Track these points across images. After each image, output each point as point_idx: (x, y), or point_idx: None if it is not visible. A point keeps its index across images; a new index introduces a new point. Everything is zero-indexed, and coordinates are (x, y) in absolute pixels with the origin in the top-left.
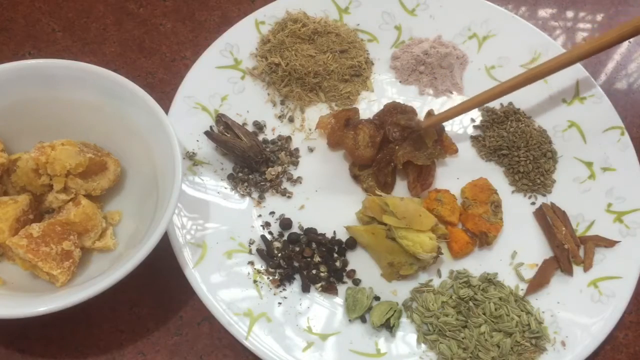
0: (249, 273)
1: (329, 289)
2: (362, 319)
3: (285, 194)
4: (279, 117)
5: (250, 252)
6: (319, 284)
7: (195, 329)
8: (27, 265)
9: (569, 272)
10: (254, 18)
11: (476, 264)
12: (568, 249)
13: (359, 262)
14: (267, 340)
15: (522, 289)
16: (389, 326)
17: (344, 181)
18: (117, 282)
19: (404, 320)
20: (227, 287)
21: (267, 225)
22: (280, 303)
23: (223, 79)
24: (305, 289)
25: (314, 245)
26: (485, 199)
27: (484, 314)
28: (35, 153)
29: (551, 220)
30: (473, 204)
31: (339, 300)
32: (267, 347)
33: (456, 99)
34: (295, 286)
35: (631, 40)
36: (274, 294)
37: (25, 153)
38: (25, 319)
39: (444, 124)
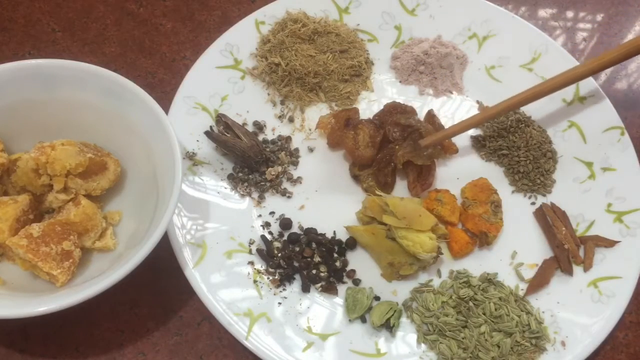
0: (249, 273)
1: (329, 289)
2: (362, 319)
3: (285, 194)
4: (279, 117)
5: (250, 252)
6: (319, 284)
7: (195, 329)
8: (27, 265)
9: (569, 272)
10: (254, 18)
11: (476, 264)
12: (568, 249)
13: (359, 262)
14: (267, 340)
15: (522, 289)
16: (389, 326)
17: (344, 181)
18: (117, 282)
19: (404, 320)
20: (227, 287)
21: (267, 225)
22: (280, 303)
23: (223, 79)
24: (305, 289)
25: (314, 245)
26: (485, 199)
27: (484, 314)
28: (35, 153)
29: (551, 220)
30: (473, 204)
31: (339, 300)
32: (267, 347)
33: (456, 99)
34: (295, 286)
35: None
36: (274, 294)
37: (25, 153)
38: (25, 319)
39: (443, 124)
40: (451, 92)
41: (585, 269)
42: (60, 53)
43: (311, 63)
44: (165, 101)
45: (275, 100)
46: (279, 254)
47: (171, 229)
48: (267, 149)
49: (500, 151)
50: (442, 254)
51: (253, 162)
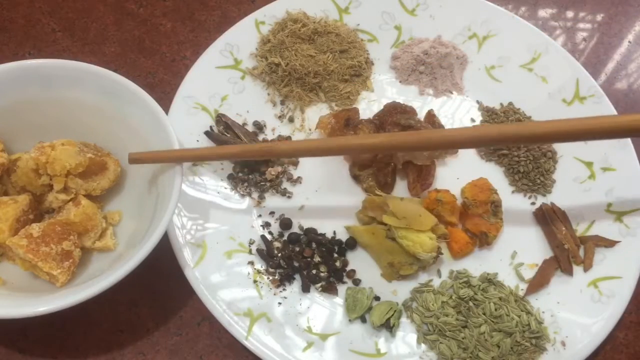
0: (249, 273)
1: (329, 289)
2: (362, 319)
3: (285, 194)
4: (279, 117)
5: (250, 252)
6: (319, 284)
7: (195, 329)
8: (27, 265)
9: (569, 272)
10: (254, 18)
11: (476, 264)
12: (568, 249)
13: (359, 262)
14: (267, 340)
15: (522, 289)
16: (389, 326)
17: (344, 181)
18: (117, 282)
19: (404, 320)
20: (227, 287)
21: (267, 225)
22: (280, 303)
23: (223, 79)
24: (305, 289)
25: (314, 245)
26: (485, 199)
27: (484, 314)
28: (35, 153)
29: (551, 220)
30: (473, 204)
31: (339, 300)
32: (267, 347)
33: (456, 99)
34: (295, 286)
35: (631, 40)
36: (274, 294)
37: (25, 153)
38: (25, 319)
39: (443, 123)
40: (451, 92)
41: (585, 269)
42: (60, 53)
43: (311, 63)
44: (165, 101)
45: (275, 100)
46: (279, 254)
47: (171, 229)
48: None
49: (500, 151)
50: (442, 254)
51: (253, 162)
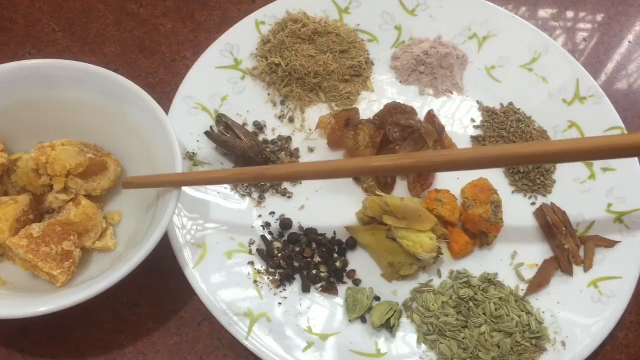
0: (249, 273)
1: (329, 289)
2: (362, 319)
3: (285, 194)
4: (279, 117)
5: (250, 252)
6: (319, 284)
7: (195, 329)
8: (27, 265)
9: (569, 272)
10: (254, 18)
11: (476, 264)
12: (568, 249)
13: (359, 262)
14: (267, 340)
15: (522, 289)
16: (389, 326)
17: (344, 181)
18: (117, 282)
19: (404, 320)
20: (227, 287)
21: (267, 225)
22: (280, 303)
23: (223, 79)
24: (305, 289)
25: (314, 245)
26: (485, 199)
27: (484, 314)
28: (35, 153)
29: (551, 220)
30: (473, 204)
31: (339, 300)
32: (267, 347)
33: (456, 99)
34: (295, 286)
35: (631, 40)
36: (274, 294)
37: (25, 153)
38: (25, 319)
39: (443, 123)
40: (451, 92)
41: (585, 269)
42: (60, 53)
43: (311, 63)
44: (165, 101)
45: (275, 100)
46: (279, 254)
47: (171, 229)
48: (267, 149)
49: None
50: (442, 254)
51: (253, 162)
